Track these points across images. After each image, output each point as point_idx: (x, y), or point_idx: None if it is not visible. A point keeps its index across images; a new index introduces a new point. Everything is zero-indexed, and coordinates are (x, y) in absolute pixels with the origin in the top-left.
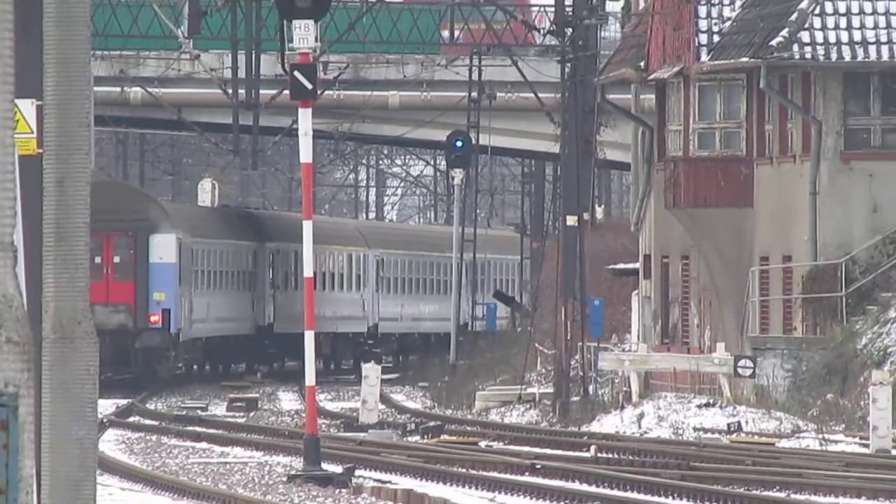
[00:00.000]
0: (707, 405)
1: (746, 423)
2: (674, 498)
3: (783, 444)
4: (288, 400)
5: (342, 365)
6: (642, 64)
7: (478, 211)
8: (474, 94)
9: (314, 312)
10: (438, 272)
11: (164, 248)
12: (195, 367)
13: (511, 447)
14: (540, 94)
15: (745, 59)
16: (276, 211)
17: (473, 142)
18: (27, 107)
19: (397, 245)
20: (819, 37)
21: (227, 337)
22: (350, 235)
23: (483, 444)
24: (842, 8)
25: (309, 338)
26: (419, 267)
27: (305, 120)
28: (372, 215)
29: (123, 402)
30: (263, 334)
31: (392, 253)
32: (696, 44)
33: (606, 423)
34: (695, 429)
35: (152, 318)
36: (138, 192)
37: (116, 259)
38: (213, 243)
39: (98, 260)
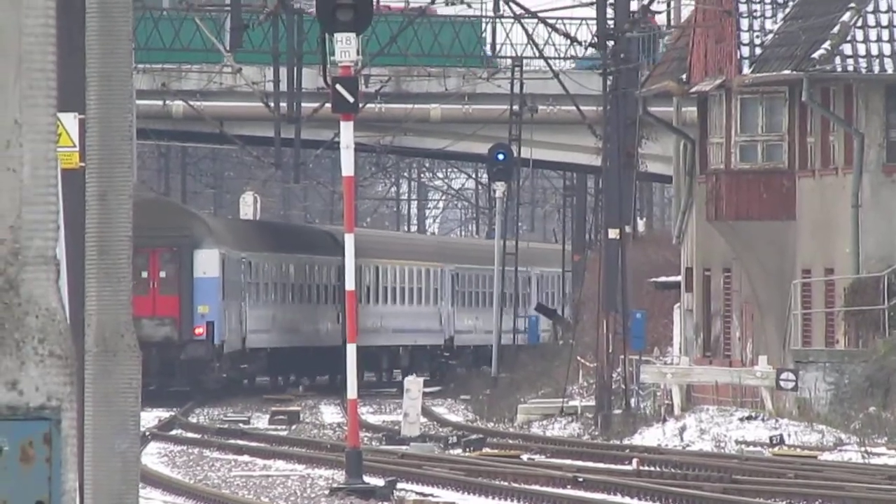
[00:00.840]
0: (749, 418)
1: (789, 436)
2: None
3: (825, 457)
4: (330, 413)
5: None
6: (684, 76)
7: (520, 224)
8: (516, 106)
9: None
10: (509, 286)
11: (207, 262)
12: (263, 378)
13: (553, 460)
14: (581, 107)
15: (787, 72)
16: (363, 228)
17: (515, 155)
18: (70, 120)
19: (471, 260)
20: (861, 49)
21: (300, 349)
22: (427, 251)
23: (525, 457)
24: (884, 20)
25: (350, 351)
26: (492, 281)
27: (347, 133)
28: (413, 228)
29: (166, 415)
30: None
31: (466, 268)
32: (738, 56)
33: (648, 436)
34: (737, 442)
35: (197, 331)
36: (183, 210)
37: (162, 274)
38: (281, 258)
39: (144, 274)
